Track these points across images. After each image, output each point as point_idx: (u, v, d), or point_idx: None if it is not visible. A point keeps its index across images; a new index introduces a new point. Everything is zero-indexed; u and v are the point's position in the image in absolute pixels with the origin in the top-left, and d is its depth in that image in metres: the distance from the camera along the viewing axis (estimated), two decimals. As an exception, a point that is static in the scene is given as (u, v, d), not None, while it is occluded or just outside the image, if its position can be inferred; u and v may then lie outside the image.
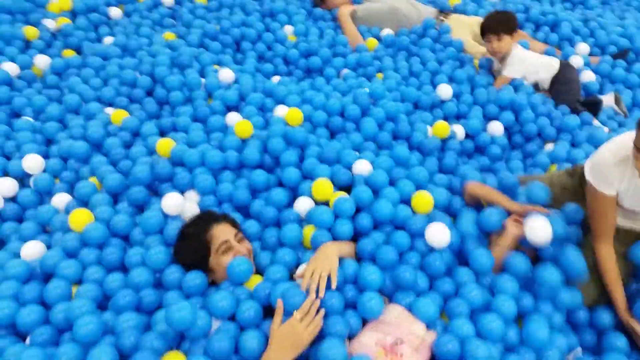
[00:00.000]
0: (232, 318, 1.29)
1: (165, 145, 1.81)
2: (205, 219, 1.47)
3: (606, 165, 1.40)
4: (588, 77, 2.60)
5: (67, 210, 1.66)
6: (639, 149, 1.25)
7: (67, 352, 1.19)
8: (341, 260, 1.40)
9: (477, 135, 2.22)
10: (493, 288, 1.43)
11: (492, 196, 1.64)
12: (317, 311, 1.25)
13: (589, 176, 1.45)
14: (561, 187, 1.69)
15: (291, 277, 1.40)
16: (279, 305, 1.24)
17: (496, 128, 2.23)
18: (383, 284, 1.38)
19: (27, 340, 1.30)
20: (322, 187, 1.63)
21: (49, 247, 1.57)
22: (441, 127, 2.13)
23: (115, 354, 1.17)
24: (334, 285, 1.31)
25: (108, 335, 1.26)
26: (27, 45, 2.54)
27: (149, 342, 1.22)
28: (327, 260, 1.36)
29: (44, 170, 1.84)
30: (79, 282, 1.44)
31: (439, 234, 1.45)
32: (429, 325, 1.32)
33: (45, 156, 1.91)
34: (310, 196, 1.65)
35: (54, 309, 1.31)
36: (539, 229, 1.42)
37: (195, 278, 1.38)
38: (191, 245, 1.43)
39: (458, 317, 1.33)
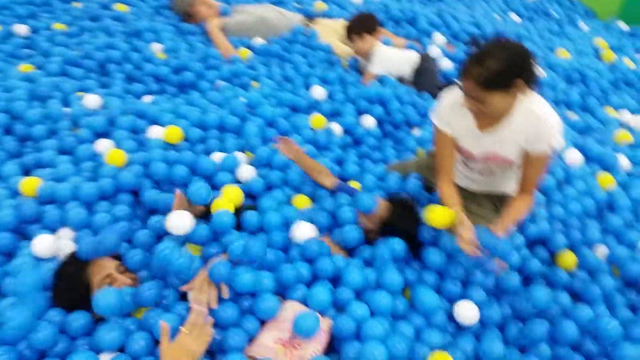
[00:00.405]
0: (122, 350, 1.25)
1: (30, 184, 1.69)
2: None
3: (443, 106, 1.63)
4: (446, 64, 2.84)
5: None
6: (465, 93, 1.46)
7: None
8: None
9: (353, 129, 2.34)
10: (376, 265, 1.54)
11: (306, 164, 1.87)
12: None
13: (432, 117, 1.69)
14: (428, 168, 1.84)
15: (183, 297, 1.38)
16: (163, 327, 1.21)
17: (368, 121, 2.36)
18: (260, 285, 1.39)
19: None
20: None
21: None
22: (318, 120, 2.27)
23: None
24: (213, 304, 1.32)
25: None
26: None
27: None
28: (203, 289, 1.34)
29: None
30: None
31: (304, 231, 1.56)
32: (323, 313, 1.37)
33: None
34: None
35: None
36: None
37: (79, 318, 1.31)
38: (70, 286, 1.36)
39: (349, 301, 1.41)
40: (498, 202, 1.81)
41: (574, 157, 2.14)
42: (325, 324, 1.34)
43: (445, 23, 3.32)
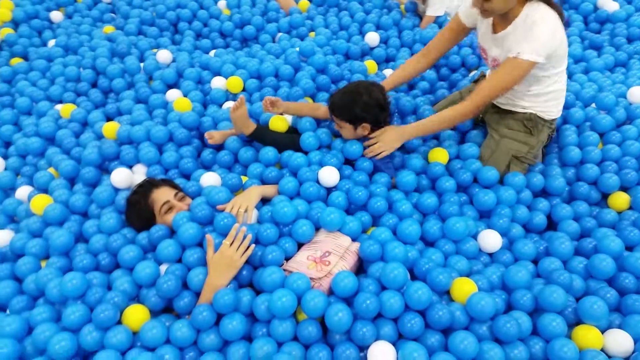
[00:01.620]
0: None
1: (111, 128, 1.96)
2: (145, 186, 1.62)
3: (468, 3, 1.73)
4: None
5: (30, 199, 1.81)
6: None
7: (40, 313, 1.37)
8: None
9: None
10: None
11: (298, 111, 1.97)
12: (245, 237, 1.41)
13: (458, 10, 1.84)
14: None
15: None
16: (209, 239, 1.41)
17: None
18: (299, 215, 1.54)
19: (7, 311, 1.47)
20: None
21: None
22: (370, 66, 2.35)
23: (86, 310, 1.33)
24: (249, 220, 1.49)
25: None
26: (-26, 58, 2.66)
27: (111, 298, 1.38)
28: (246, 198, 1.55)
29: (5, 169, 1.99)
30: (46, 257, 1.61)
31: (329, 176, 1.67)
32: (354, 239, 1.51)
33: (5, 157, 2.07)
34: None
35: (26, 280, 1.48)
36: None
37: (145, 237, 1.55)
38: (137, 211, 1.60)
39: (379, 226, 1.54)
40: (528, 122, 1.81)
41: (638, 95, 2.03)
42: (354, 246, 1.47)
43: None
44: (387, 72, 2.36)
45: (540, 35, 1.53)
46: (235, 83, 2.23)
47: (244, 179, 1.74)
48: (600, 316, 1.28)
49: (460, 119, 1.75)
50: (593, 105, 2.06)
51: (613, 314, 1.35)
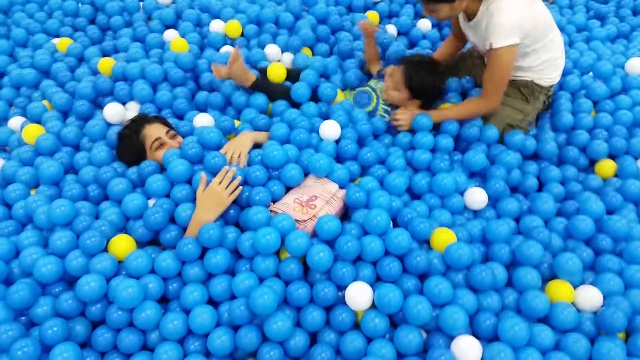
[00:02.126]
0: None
1: (106, 64, 1.94)
2: (138, 121, 1.63)
3: None
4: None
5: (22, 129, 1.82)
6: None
7: (28, 237, 1.39)
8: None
9: (409, 32, 2.35)
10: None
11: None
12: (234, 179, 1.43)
13: None
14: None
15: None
16: (203, 177, 1.42)
17: (425, 24, 2.35)
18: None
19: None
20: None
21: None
22: (372, 17, 2.34)
23: (73, 237, 1.36)
24: (242, 164, 1.51)
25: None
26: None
27: (98, 226, 1.41)
28: (239, 144, 1.57)
29: (-1, 99, 1.99)
30: (36, 186, 1.62)
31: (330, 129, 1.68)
32: (341, 186, 1.53)
33: (-1, 87, 2.06)
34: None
35: (15, 206, 1.50)
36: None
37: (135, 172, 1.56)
38: (128, 145, 1.61)
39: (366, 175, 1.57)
40: (525, 89, 1.83)
41: (635, 66, 2.02)
42: (340, 193, 1.50)
43: None
44: (390, 27, 2.33)
45: (504, 22, 1.58)
46: (233, 27, 2.20)
47: (237, 122, 1.75)
48: (574, 272, 1.32)
49: (477, 114, 1.82)
50: (590, 73, 2.06)
51: (587, 272, 1.39)
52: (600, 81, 1.98)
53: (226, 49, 2.14)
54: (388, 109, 1.87)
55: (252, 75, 1.83)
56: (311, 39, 2.15)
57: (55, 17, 2.32)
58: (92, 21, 2.33)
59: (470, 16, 1.73)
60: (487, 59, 1.70)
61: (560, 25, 2.40)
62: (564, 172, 1.76)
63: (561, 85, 2.02)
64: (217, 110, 1.88)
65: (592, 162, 1.83)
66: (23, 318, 1.27)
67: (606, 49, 2.22)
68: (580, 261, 1.33)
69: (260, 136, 1.66)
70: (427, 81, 1.82)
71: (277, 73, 1.91)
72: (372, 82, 1.97)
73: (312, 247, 1.29)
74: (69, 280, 1.35)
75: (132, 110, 1.84)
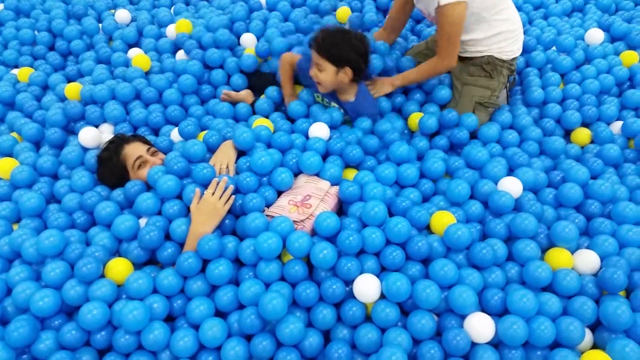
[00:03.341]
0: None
1: (73, 89, 1.89)
2: (116, 142, 1.59)
3: None
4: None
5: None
6: None
7: (18, 273, 1.32)
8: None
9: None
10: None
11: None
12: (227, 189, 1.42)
13: None
14: (421, 54, 2.09)
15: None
16: (196, 192, 1.40)
17: None
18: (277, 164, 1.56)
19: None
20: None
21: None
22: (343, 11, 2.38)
23: (67, 267, 1.30)
24: (231, 173, 1.50)
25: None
26: None
27: (92, 252, 1.36)
28: (225, 154, 1.56)
29: (-37, 136, 1.90)
30: (17, 221, 1.56)
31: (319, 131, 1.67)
32: (333, 183, 1.53)
33: (-38, 124, 1.97)
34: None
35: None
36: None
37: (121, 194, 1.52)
38: (109, 168, 1.57)
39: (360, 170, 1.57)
40: (487, 66, 1.86)
41: (595, 37, 2.10)
42: (333, 189, 1.50)
43: None
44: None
45: None
46: (184, 25, 2.17)
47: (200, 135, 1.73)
48: (571, 238, 1.35)
49: (436, 73, 1.84)
50: (553, 48, 2.12)
51: (581, 238, 1.43)
52: (564, 54, 2.05)
53: (180, 54, 2.12)
54: (330, 101, 1.85)
55: (250, 96, 1.94)
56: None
57: (11, 48, 2.24)
58: (52, 48, 2.26)
59: None
60: (437, 19, 1.70)
61: (517, 5, 2.47)
62: (542, 145, 1.80)
63: (527, 62, 2.08)
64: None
65: (567, 133, 1.89)
66: (25, 357, 1.22)
67: (564, 23, 2.30)
68: (576, 227, 1.36)
69: None
70: (341, 44, 1.64)
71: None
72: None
73: (314, 246, 1.29)
74: (68, 312, 1.31)
75: (106, 132, 1.79)
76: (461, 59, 1.90)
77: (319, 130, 1.69)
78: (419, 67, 1.86)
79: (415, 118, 1.84)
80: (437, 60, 1.79)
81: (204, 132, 1.70)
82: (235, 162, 1.57)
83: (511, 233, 1.41)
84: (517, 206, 1.51)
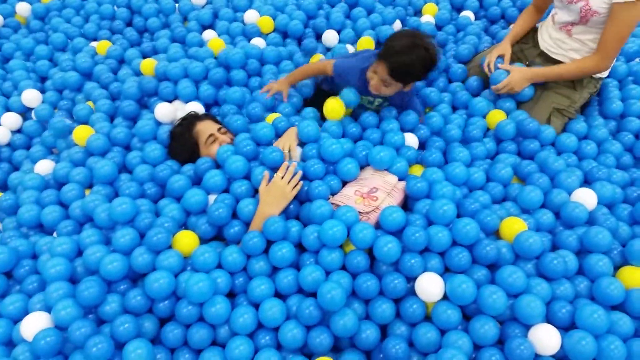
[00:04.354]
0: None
1: (148, 64, 1.94)
2: (190, 119, 1.64)
3: None
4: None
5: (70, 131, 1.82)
6: None
7: (89, 236, 1.38)
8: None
9: (445, 26, 2.33)
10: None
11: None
12: (296, 174, 1.43)
13: None
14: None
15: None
16: (265, 174, 1.42)
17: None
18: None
19: (55, 234, 1.49)
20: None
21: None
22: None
23: (136, 234, 1.35)
24: (293, 157, 1.52)
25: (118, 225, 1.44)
26: (6, -4, 2.63)
27: (161, 223, 1.39)
28: (287, 138, 1.57)
29: (43, 102, 1.99)
30: (90, 186, 1.62)
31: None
32: (401, 178, 1.51)
33: (42, 91, 2.06)
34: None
35: (72, 206, 1.50)
36: None
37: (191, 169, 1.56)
38: (182, 143, 1.61)
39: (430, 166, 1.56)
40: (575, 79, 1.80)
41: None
42: (400, 184, 1.48)
43: None
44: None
45: None
46: (266, 23, 2.19)
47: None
48: (648, 258, 1.29)
49: (591, 73, 1.76)
50: (637, 60, 2.03)
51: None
52: (649, 68, 1.95)
53: (256, 40, 2.13)
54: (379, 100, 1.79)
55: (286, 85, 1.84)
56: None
57: (92, 21, 2.33)
58: (129, 24, 2.34)
59: None
60: (611, 15, 1.59)
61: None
62: (618, 160, 1.72)
63: (608, 73, 1.98)
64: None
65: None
66: (91, 316, 1.26)
67: (650, 36, 2.19)
68: (654, 247, 1.30)
69: None
70: (413, 65, 1.49)
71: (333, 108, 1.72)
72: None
73: (379, 238, 1.27)
74: (133, 278, 1.35)
75: (179, 109, 1.83)
76: (549, 59, 1.84)
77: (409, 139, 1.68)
78: (571, 63, 1.75)
79: (493, 117, 1.79)
80: (598, 59, 1.69)
81: (273, 115, 1.71)
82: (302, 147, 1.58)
83: (583, 246, 1.36)
84: (591, 219, 1.45)
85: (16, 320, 1.26)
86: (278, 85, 1.80)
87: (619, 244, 1.38)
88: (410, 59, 1.48)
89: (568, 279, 1.28)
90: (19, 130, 1.96)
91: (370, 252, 1.31)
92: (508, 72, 1.80)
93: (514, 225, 1.34)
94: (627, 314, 1.21)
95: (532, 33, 1.97)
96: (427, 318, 1.26)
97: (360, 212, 1.37)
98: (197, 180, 1.54)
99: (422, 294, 1.23)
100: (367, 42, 2.09)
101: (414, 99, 1.79)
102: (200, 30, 2.24)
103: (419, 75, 1.54)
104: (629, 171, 1.67)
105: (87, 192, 1.59)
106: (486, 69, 1.86)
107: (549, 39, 1.85)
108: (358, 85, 1.70)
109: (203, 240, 1.40)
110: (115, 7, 2.36)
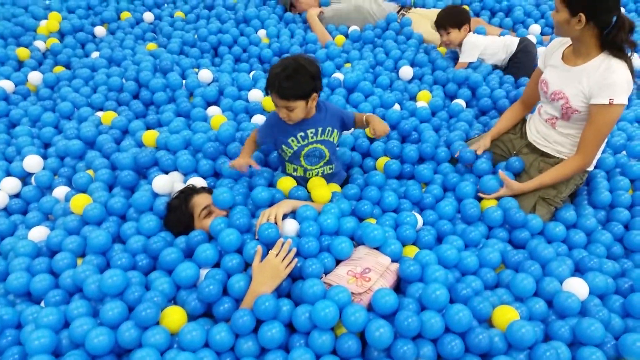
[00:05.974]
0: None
1: (150, 136, 2.01)
2: (187, 192, 1.67)
3: (552, 43, 1.89)
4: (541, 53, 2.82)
5: (67, 199, 1.83)
6: None
7: (77, 307, 1.36)
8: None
9: (440, 111, 2.43)
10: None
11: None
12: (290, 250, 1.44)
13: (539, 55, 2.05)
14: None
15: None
16: (258, 249, 1.42)
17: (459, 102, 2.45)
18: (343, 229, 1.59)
19: (42, 303, 1.47)
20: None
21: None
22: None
23: (124, 308, 1.33)
24: (279, 223, 1.53)
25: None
26: (20, 64, 2.75)
27: (151, 297, 1.38)
28: (275, 207, 1.59)
29: (43, 168, 2.02)
30: (82, 255, 1.61)
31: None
32: (394, 260, 1.52)
33: (44, 157, 2.10)
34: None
35: (62, 275, 1.48)
36: None
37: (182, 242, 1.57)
38: (177, 215, 1.63)
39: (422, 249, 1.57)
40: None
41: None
42: (393, 266, 1.48)
43: (541, 13, 3.29)
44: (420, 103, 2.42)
45: (628, 79, 1.60)
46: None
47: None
48: (641, 353, 1.27)
49: (573, 174, 1.81)
50: (623, 152, 2.10)
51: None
52: (635, 160, 2.02)
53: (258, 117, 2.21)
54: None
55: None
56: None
57: (100, 92, 2.42)
58: (136, 96, 2.43)
59: (573, 60, 1.72)
60: (591, 115, 1.67)
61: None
62: (608, 250, 1.74)
63: (595, 164, 2.05)
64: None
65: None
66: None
67: (635, 129, 2.28)
68: (647, 342, 1.29)
69: (300, 204, 1.67)
70: (302, 78, 1.58)
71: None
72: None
73: (371, 322, 1.26)
74: (118, 353, 1.31)
75: (177, 181, 1.86)
76: (536, 150, 1.91)
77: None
78: (551, 171, 1.80)
79: (483, 202, 1.85)
80: (579, 159, 1.75)
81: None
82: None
83: (575, 338, 1.34)
84: (582, 310, 1.44)
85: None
86: (243, 161, 1.76)
87: (612, 337, 1.37)
88: (276, 70, 1.58)
89: (561, 372, 1.26)
90: (17, 195, 1.97)
91: (362, 334, 1.29)
92: (473, 151, 1.98)
93: (506, 314, 1.33)
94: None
95: (520, 124, 2.06)
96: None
97: (352, 293, 1.36)
98: (189, 253, 1.54)
99: (414, 383, 1.20)
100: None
101: (337, 116, 1.82)
102: (205, 105, 2.33)
103: (310, 85, 1.60)
104: (620, 261, 1.69)
105: (80, 260, 1.58)
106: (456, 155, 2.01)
107: (536, 131, 1.94)
108: (282, 127, 1.76)
109: (191, 317, 1.38)
110: (123, 80, 2.46)
